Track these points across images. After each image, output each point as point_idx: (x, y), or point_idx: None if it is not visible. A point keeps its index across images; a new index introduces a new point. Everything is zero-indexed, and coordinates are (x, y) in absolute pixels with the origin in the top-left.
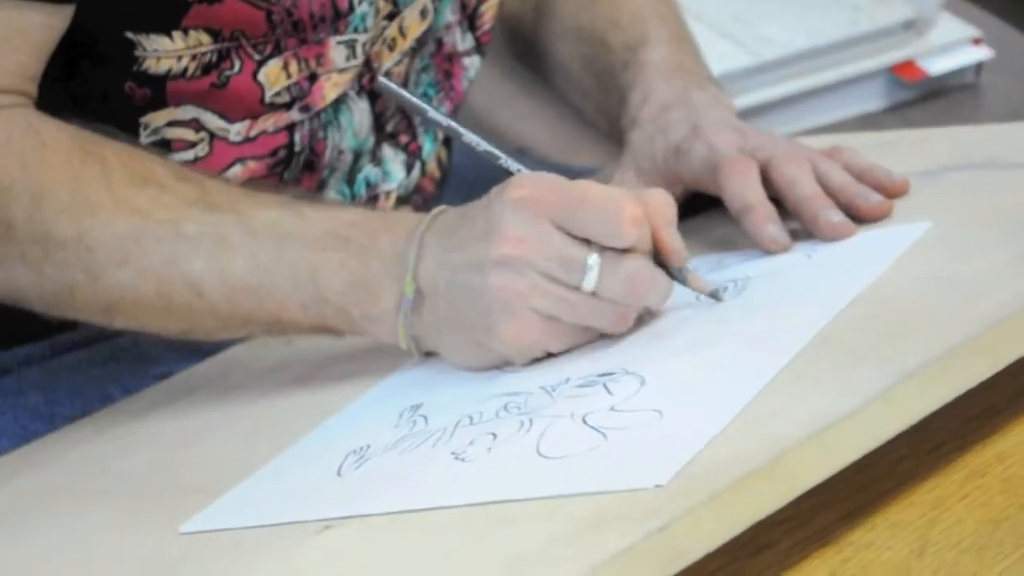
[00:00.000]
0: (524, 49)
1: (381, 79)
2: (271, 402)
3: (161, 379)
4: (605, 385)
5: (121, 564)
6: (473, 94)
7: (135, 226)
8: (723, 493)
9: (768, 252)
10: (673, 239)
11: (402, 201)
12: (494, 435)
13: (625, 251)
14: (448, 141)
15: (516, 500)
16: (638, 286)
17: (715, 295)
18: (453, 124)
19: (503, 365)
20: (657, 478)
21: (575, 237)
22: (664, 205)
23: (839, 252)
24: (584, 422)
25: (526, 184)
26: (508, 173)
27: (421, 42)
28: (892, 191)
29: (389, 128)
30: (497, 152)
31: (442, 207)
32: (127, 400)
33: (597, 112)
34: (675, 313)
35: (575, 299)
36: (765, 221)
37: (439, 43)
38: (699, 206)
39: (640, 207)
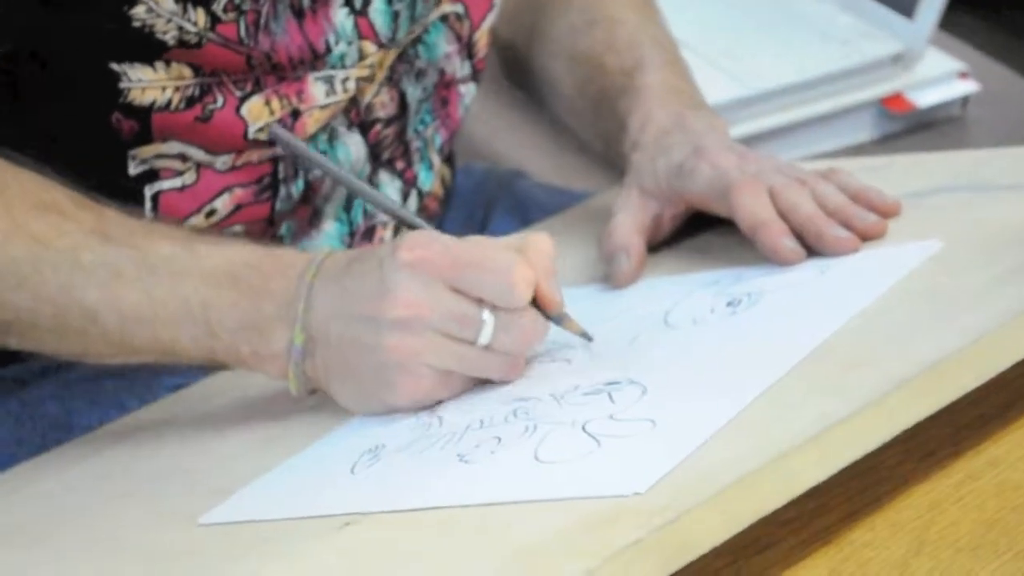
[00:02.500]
0: (518, 72)
1: (274, 127)
2: (288, 409)
3: (175, 390)
4: (609, 394)
5: (145, 562)
6: (473, 123)
7: (32, 252)
8: (727, 491)
9: (785, 264)
10: (553, 290)
11: (401, 227)
12: (499, 439)
13: None
14: (450, 159)
15: (511, 503)
16: (530, 338)
17: (585, 335)
18: (348, 176)
19: (392, 412)
20: (637, 486)
21: (467, 296)
22: (546, 255)
23: (851, 268)
24: (583, 429)
25: (417, 246)
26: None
27: (421, 73)
28: (885, 211)
29: (385, 156)
30: (392, 206)
31: (330, 249)
32: (144, 410)
33: (593, 135)
34: (685, 325)
35: (469, 353)
36: (780, 235)
37: (441, 73)
38: (695, 224)
39: (529, 268)
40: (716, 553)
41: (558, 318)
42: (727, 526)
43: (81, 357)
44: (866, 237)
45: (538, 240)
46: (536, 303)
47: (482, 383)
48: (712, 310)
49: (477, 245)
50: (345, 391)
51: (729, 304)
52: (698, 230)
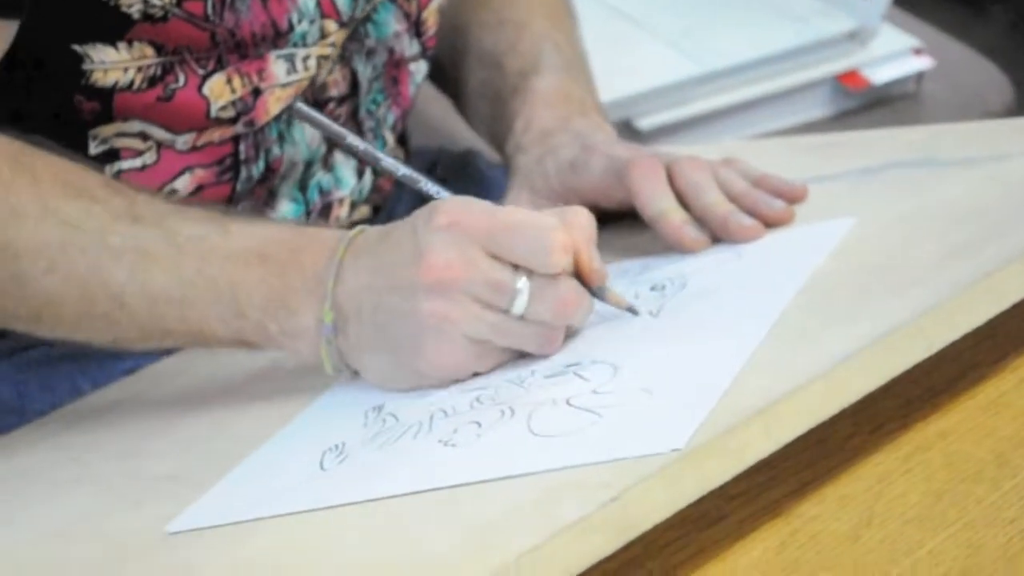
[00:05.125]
0: (437, 72)
1: (298, 104)
2: (237, 392)
3: (129, 373)
4: (577, 374)
5: (96, 548)
6: (424, 99)
7: (62, 235)
8: (673, 466)
9: (687, 252)
10: (594, 259)
11: (357, 205)
12: (478, 423)
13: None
14: (403, 139)
15: (515, 476)
16: (566, 309)
17: (632, 310)
18: (370, 149)
19: (425, 386)
20: (674, 442)
21: (503, 262)
22: (586, 225)
23: (768, 249)
24: (569, 404)
25: (453, 210)
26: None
27: (371, 52)
28: (791, 197)
29: None
30: (417, 176)
31: (361, 227)
32: (96, 394)
33: (490, 136)
34: (617, 312)
35: (504, 323)
36: (682, 223)
37: (390, 52)
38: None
39: (567, 234)
40: (666, 526)
41: (600, 291)
42: (673, 501)
43: (112, 344)
44: (773, 224)
45: (577, 211)
46: (576, 276)
47: (521, 356)
48: (636, 296)
49: (515, 211)
50: (377, 365)
51: (653, 288)
52: (601, 221)
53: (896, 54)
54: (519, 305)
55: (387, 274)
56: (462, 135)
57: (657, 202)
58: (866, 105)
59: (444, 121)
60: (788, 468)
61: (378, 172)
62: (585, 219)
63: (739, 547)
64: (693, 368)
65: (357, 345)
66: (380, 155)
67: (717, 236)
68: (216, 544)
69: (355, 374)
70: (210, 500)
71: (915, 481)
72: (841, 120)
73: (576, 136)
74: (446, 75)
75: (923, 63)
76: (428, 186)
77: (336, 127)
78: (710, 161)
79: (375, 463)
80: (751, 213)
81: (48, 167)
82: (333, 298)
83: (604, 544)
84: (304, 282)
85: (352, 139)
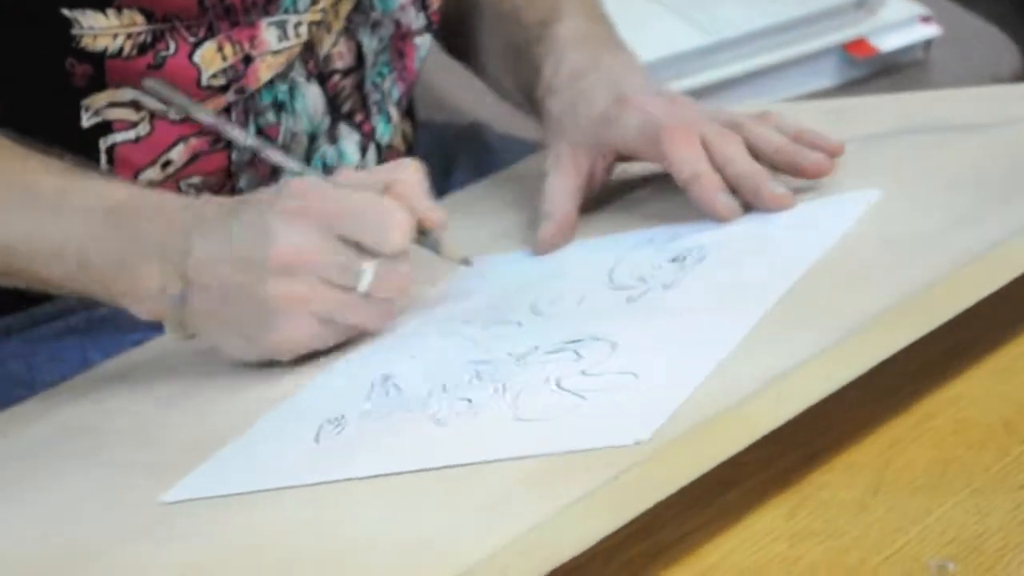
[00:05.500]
0: (448, 35)
1: (147, 80)
2: (249, 363)
3: (139, 344)
4: (576, 351)
5: (105, 521)
6: (431, 72)
7: None
8: (684, 436)
9: (719, 220)
10: (434, 210)
11: None
12: (469, 400)
13: None
14: (411, 113)
15: (495, 461)
16: (408, 284)
17: (466, 261)
18: (218, 122)
19: (269, 360)
20: (638, 434)
21: (348, 242)
22: (414, 182)
23: (793, 220)
24: (558, 386)
25: (296, 194)
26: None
27: (376, 24)
28: (827, 150)
29: (345, 108)
30: (263, 145)
31: (207, 196)
32: (105, 364)
33: (513, 87)
34: (633, 284)
35: (350, 301)
36: (716, 189)
37: (397, 24)
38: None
39: (405, 213)
40: (676, 496)
41: (434, 243)
42: (684, 472)
43: None
44: (813, 176)
45: (401, 169)
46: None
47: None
48: (658, 267)
49: (356, 194)
50: (224, 336)
51: (674, 260)
52: (631, 186)
53: (903, 22)
54: (364, 283)
55: (234, 250)
56: (470, 108)
57: (691, 165)
58: (874, 73)
59: (452, 94)
60: (798, 436)
61: (381, 148)
62: (412, 173)
63: (748, 515)
64: (682, 350)
65: (202, 316)
66: (228, 126)
67: (748, 205)
68: (214, 517)
69: (190, 338)
70: (206, 470)
71: (923, 448)
72: (849, 88)
73: (608, 80)
74: (464, 44)
75: (931, 31)
76: (275, 156)
77: (183, 99)
78: (746, 115)
79: (368, 439)
80: (788, 167)
81: None
82: (183, 269)
83: (615, 516)
84: (148, 248)
85: (200, 112)
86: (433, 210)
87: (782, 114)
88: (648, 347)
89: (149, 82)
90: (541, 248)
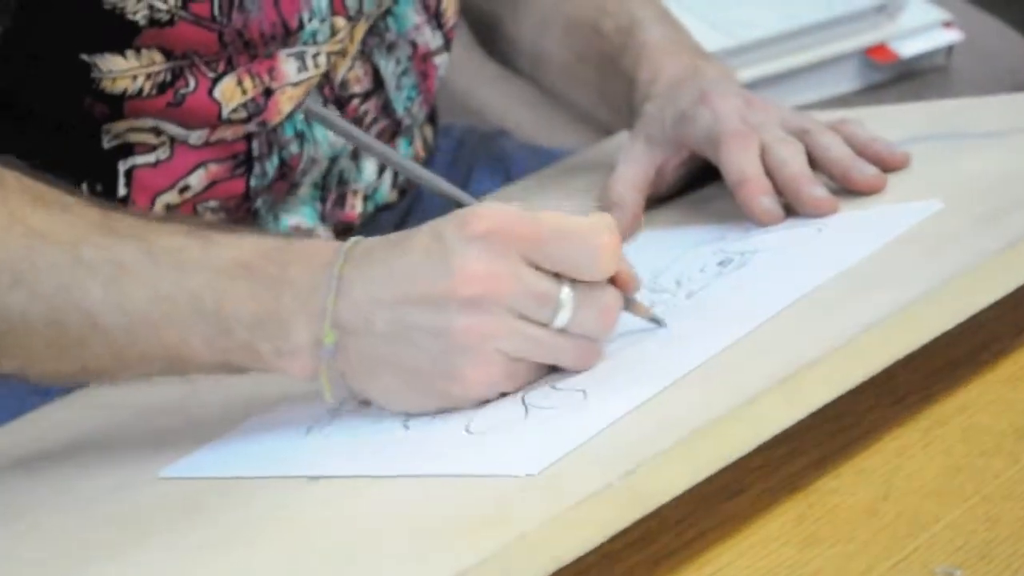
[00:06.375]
0: (504, 49)
1: (308, 104)
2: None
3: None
4: None
5: (112, 525)
6: (454, 77)
7: (30, 246)
8: (691, 437)
9: (760, 224)
10: (630, 266)
11: (370, 198)
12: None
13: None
14: (432, 118)
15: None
16: (611, 318)
17: (656, 320)
18: (389, 153)
19: (448, 408)
20: (530, 467)
21: (545, 271)
22: (616, 231)
23: (847, 225)
24: (522, 401)
25: (490, 216)
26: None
27: (392, 46)
28: (891, 164)
29: (372, 133)
30: (439, 180)
31: (357, 238)
32: None
33: (599, 101)
34: (670, 287)
35: (545, 337)
36: (759, 193)
37: (414, 46)
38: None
39: (613, 237)
40: (684, 499)
41: (630, 300)
42: (691, 474)
43: (79, 373)
44: (863, 190)
45: (603, 216)
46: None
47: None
48: (702, 269)
49: (556, 216)
50: (390, 386)
51: (720, 264)
52: (704, 182)
53: (925, 27)
54: (562, 317)
55: (406, 286)
56: (493, 113)
57: (741, 169)
58: (895, 78)
59: (475, 99)
60: (807, 441)
61: (396, 175)
62: (612, 222)
63: (757, 520)
64: (638, 370)
65: (363, 365)
66: (401, 160)
67: (794, 207)
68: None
69: (362, 403)
70: (203, 454)
71: (933, 455)
72: (870, 93)
73: (701, 81)
74: (523, 58)
75: (952, 36)
76: (450, 190)
77: (351, 128)
78: (819, 122)
79: (346, 438)
80: (842, 180)
81: (15, 178)
82: (334, 315)
83: (620, 517)
84: (297, 298)
85: (369, 140)
86: (631, 266)
87: (859, 123)
88: (613, 365)
89: (308, 104)
90: None
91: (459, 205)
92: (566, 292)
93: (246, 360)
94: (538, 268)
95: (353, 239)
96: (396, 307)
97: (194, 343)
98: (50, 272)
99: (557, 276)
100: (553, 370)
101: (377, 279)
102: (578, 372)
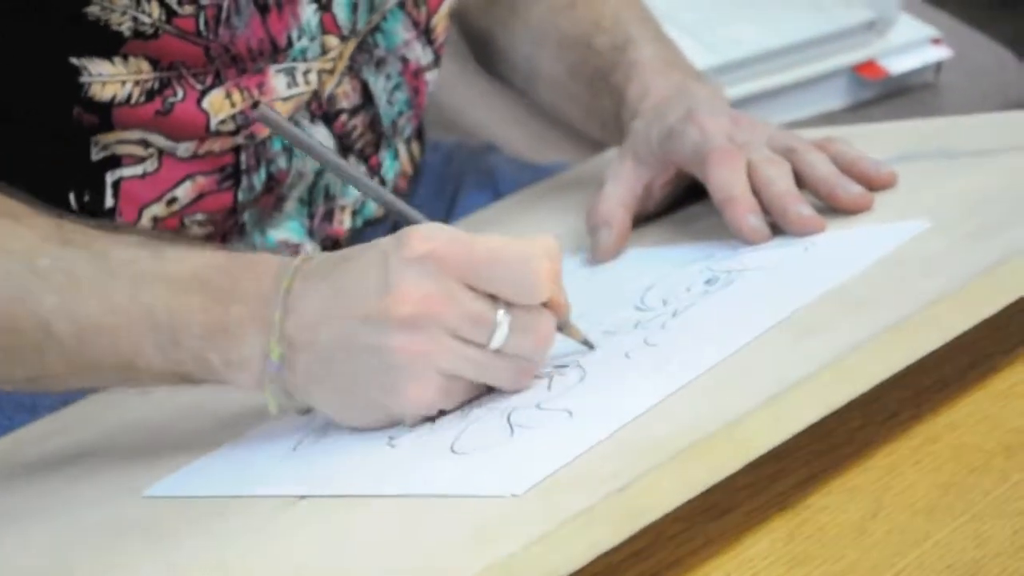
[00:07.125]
0: (498, 63)
1: (262, 106)
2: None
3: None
4: (551, 377)
5: (99, 541)
6: (443, 93)
7: None
8: (680, 456)
9: (748, 242)
10: (563, 291)
11: (358, 212)
12: (432, 421)
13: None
14: (420, 135)
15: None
16: (547, 341)
17: (587, 343)
18: (339, 161)
19: (389, 424)
20: (516, 487)
21: (481, 293)
22: (556, 255)
23: (834, 245)
24: (508, 420)
25: (428, 238)
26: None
27: (381, 62)
28: (878, 182)
29: (358, 146)
30: (386, 195)
31: (306, 255)
32: (107, 390)
33: (588, 117)
34: (656, 306)
35: (481, 357)
36: (746, 212)
37: (404, 61)
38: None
39: (551, 261)
40: (674, 518)
41: (561, 324)
42: (680, 492)
43: (36, 383)
44: (849, 209)
45: (544, 240)
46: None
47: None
48: (689, 288)
49: (494, 240)
50: (336, 401)
51: (707, 282)
52: (693, 200)
53: (914, 44)
54: (498, 338)
55: (349, 304)
56: (482, 128)
57: (728, 188)
58: (884, 95)
59: (460, 112)
60: (796, 459)
61: (385, 183)
62: (553, 246)
63: (746, 539)
64: (624, 389)
65: (309, 379)
66: (348, 168)
67: (780, 226)
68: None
69: (305, 411)
70: (188, 472)
71: (923, 473)
72: (859, 110)
73: (688, 101)
74: (516, 72)
75: (941, 53)
76: (400, 207)
77: (298, 132)
78: (806, 141)
79: (333, 456)
80: (829, 199)
81: None
82: (281, 330)
83: (611, 535)
84: (246, 310)
85: (318, 147)
86: (565, 293)
87: (846, 141)
88: (598, 384)
89: (262, 107)
90: (599, 256)
91: (409, 222)
92: (501, 315)
93: (197, 370)
94: (475, 290)
95: (303, 255)
96: (340, 323)
97: (146, 353)
98: (4, 282)
99: (495, 298)
100: (490, 390)
101: (324, 296)
102: (514, 392)
